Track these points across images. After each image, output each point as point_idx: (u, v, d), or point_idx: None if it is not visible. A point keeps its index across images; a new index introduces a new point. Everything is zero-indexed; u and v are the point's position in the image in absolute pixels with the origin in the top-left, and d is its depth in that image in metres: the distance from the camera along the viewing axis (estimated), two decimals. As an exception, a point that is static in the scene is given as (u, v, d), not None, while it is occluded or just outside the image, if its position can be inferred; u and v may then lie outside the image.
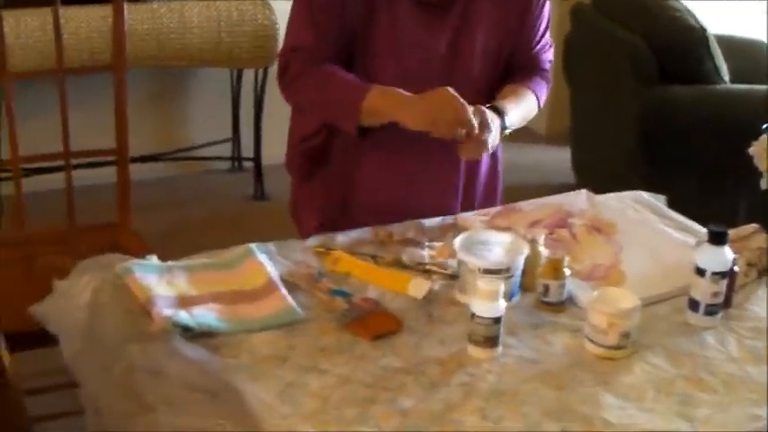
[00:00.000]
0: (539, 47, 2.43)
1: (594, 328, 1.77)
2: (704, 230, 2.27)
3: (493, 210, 2.35)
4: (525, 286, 1.96)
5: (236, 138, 4.90)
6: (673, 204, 2.51)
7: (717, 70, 3.92)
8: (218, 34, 4.15)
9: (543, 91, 2.44)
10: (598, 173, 4.33)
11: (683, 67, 3.89)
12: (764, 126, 3.05)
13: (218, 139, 4.86)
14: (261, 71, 4.51)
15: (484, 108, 2.14)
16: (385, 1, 2.20)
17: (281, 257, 2.03)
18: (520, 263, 1.92)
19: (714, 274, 1.88)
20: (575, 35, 4.36)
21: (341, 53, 2.25)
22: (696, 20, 3.93)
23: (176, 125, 4.91)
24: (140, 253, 1.94)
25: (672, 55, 3.89)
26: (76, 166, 2.84)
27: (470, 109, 2.06)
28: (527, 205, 2.37)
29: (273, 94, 4.50)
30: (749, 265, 2.09)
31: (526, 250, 1.93)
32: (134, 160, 4.00)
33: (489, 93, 2.35)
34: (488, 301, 1.72)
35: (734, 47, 4.36)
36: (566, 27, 4.44)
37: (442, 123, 2.06)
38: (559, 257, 1.90)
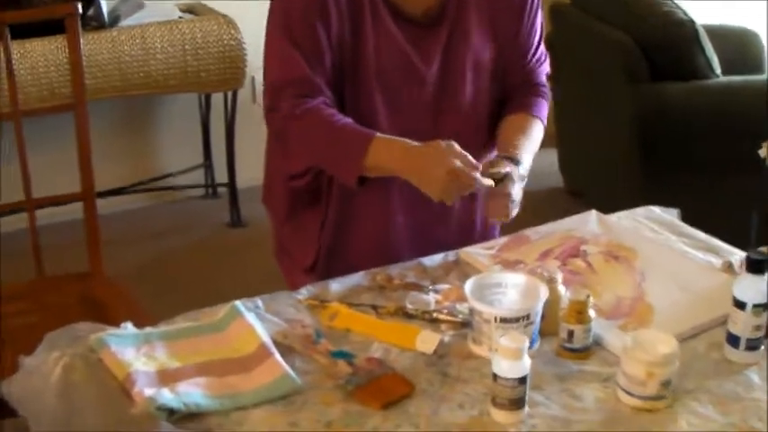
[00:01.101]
0: (534, 59, 2.26)
1: (631, 379, 1.58)
2: (726, 247, 2.12)
3: (498, 242, 2.15)
4: (544, 331, 1.77)
5: (208, 163, 4.72)
6: (673, 205, 2.34)
7: (709, 64, 3.77)
8: (184, 58, 3.96)
9: (545, 111, 2.26)
10: (589, 175, 4.15)
11: (674, 63, 3.74)
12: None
13: (190, 166, 4.67)
14: (230, 93, 4.29)
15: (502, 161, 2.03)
16: (370, 23, 2.02)
17: (271, 314, 1.83)
18: (539, 308, 1.72)
19: (756, 306, 1.69)
20: (556, 36, 4.17)
21: (329, 83, 2.06)
22: (684, 13, 3.78)
23: (146, 154, 4.72)
24: (117, 304, 1.77)
25: (662, 51, 3.74)
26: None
27: (478, 174, 1.91)
28: (534, 234, 2.17)
29: (244, 117, 4.40)
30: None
31: (545, 293, 1.73)
32: (104, 194, 3.85)
33: (486, 115, 2.20)
34: (512, 360, 1.52)
35: (722, 37, 4.20)
36: (545, 28, 4.25)
37: (454, 195, 1.94)
38: (583, 299, 1.71)
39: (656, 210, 2.36)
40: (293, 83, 2.04)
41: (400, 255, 2.09)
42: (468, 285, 1.75)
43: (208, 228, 4.57)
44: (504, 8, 2.16)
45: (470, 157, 1.91)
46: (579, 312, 1.71)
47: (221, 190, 4.73)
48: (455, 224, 2.24)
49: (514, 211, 2.02)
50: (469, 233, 2.28)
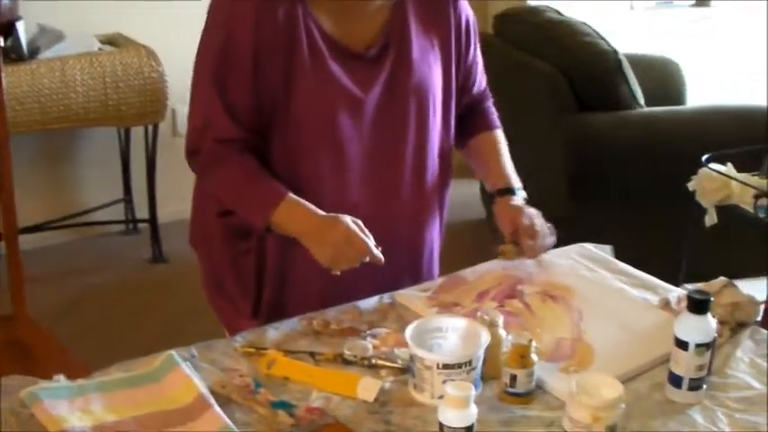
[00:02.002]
0: (479, 71, 2.32)
1: (577, 423, 1.56)
2: (662, 284, 2.12)
3: (434, 283, 2.12)
4: (486, 375, 1.74)
5: (128, 198, 4.63)
6: (602, 235, 2.34)
7: (632, 94, 3.80)
8: (104, 91, 3.90)
9: (496, 114, 2.36)
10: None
11: (599, 93, 3.76)
12: (705, 158, 2.90)
13: (109, 200, 4.58)
14: (151, 127, 4.22)
15: (528, 215, 2.15)
16: (308, 61, 1.97)
17: (207, 363, 1.78)
18: (481, 353, 1.69)
19: (699, 345, 1.69)
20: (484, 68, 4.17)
21: (255, 129, 2.02)
22: (607, 43, 3.80)
23: (66, 189, 4.62)
24: (43, 348, 1.71)
25: (587, 82, 3.76)
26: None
27: (368, 241, 1.94)
28: (470, 274, 2.15)
29: (165, 150, 4.33)
30: (721, 323, 1.90)
31: (486, 337, 1.71)
32: (23, 231, 3.74)
33: (438, 140, 2.19)
34: (459, 409, 1.49)
35: (643, 66, 4.25)
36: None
37: (345, 262, 1.94)
38: (525, 343, 1.68)
39: (590, 246, 2.35)
40: (215, 129, 2.01)
41: (348, 295, 2.05)
42: (409, 331, 1.72)
43: (129, 264, 4.49)
44: (450, 32, 2.15)
45: (367, 232, 1.94)
46: (522, 356, 1.69)
47: (142, 225, 4.65)
48: (403, 262, 2.21)
49: (548, 240, 2.15)
50: (415, 271, 2.25)
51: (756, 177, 2.94)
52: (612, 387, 1.59)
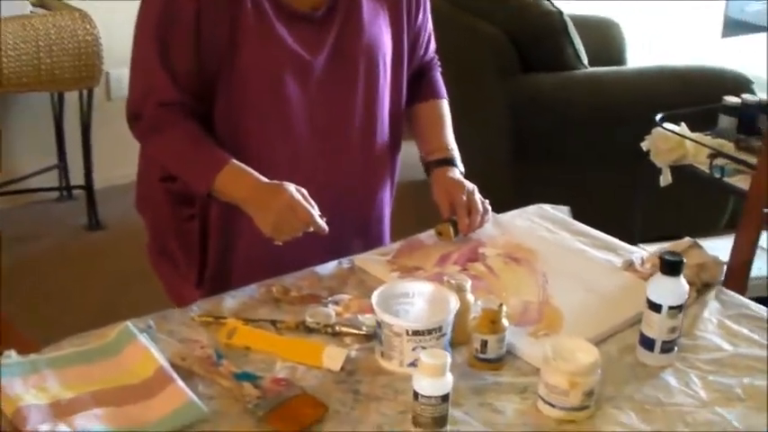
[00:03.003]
0: (429, 39, 2.27)
1: (553, 389, 1.52)
2: (623, 245, 2.09)
3: (392, 247, 2.07)
4: (454, 341, 1.69)
5: (62, 164, 4.50)
6: (548, 197, 2.31)
7: (577, 55, 3.78)
8: (37, 55, 3.76)
9: (443, 84, 2.30)
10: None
11: (543, 54, 3.73)
12: (658, 117, 2.87)
13: (43, 167, 4.44)
14: (85, 91, 4.10)
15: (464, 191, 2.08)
16: (253, 23, 1.90)
17: (164, 335, 1.71)
18: (451, 318, 1.64)
19: (672, 308, 1.65)
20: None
21: (197, 93, 1.96)
22: (552, 4, 3.75)
23: (-3, 156, 4.47)
24: None
25: (532, 43, 3.73)
26: None
27: (312, 210, 1.87)
28: (428, 237, 2.10)
29: (99, 115, 4.22)
30: (688, 284, 1.86)
31: (455, 302, 1.66)
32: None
33: (389, 104, 2.14)
34: (435, 378, 1.44)
35: (584, 27, 4.20)
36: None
37: (287, 230, 1.87)
38: (496, 308, 1.64)
39: (547, 207, 2.32)
40: (157, 93, 1.94)
41: (296, 262, 1.98)
42: (375, 297, 1.66)
43: (65, 232, 4.37)
44: None
45: (312, 202, 1.87)
46: (493, 322, 1.64)
47: (77, 192, 4.53)
48: (354, 226, 2.15)
49: (488, 217, 2.11)
50: (366, 234, 2.20)
51: (710, 137, 2.92)
52: (588, 352, 1.55)
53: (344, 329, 1.74)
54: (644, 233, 3.85)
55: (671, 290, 1.65)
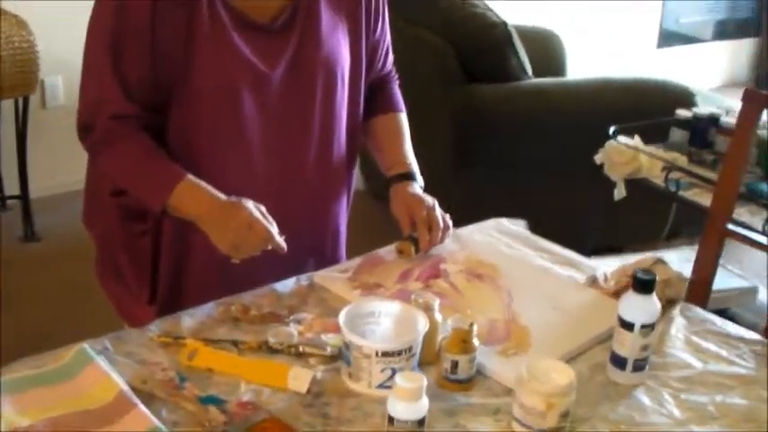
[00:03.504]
0: (387, 51, 2.22)
1: (529, 411, 1.48)
2: (585, 261, 2.07)
3: (352, 263, 2.02)
4: (421, 360, 1.65)
5: (-5, 174, 4.37)
6: (492, 209, 2.28)
7: (521, 66, 3.75)
8: (-29, 62, 3.64)
9: (401, 98, 2.25)
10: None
11: (488, 65, 3.71)
12: (611, 130, 2.86)
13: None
14: (21, 99, 3.99)
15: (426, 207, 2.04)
16: (209, 33, 1.84)
17: (122, 356, 1.64)
18: (420, 338, 1.60)
19: (644, 327, 1.62)
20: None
21: (151, 104, 1.89)
22: (496, 15, 3.73)
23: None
24: None
25: (476, 54, 3.70)
26: None
27: (270, 228, 1.81)
28: (387, 253, 2.05)
29: (35, 124, 4.11)
30: (654, 300, 1.84)
31: (424, 322, 1.61)
32: None
33: (346, 117, 2.08)
34: (411, 401, 1.40)
35: (525, 38, 4.19)
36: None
37: (246, 249, 1.81)
38: (467, 328, 1.60)
39: (505, 222, 2.29)
40: (109, 105, 1.86)
41: (251, 279, 1.92)
42: (342, 317, 1.61)
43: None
44: (360, 5, 2.04)
45: (271, 219, 1.82)
46: (464, 341, 1.60)
47: (11, 202, 4.40)
48: (310, 242, 2.09)
49: (449, 233, 2.07)
50: (321, 250, 2.14)
51: (662, 150, 2.92)
52: (563, 372, 1.52)
53: (308, 350, 1.69)
54: (584, 243, 3.86)
55: (643, 308, 1.62)
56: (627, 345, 1.64)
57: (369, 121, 2.18)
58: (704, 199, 2.55)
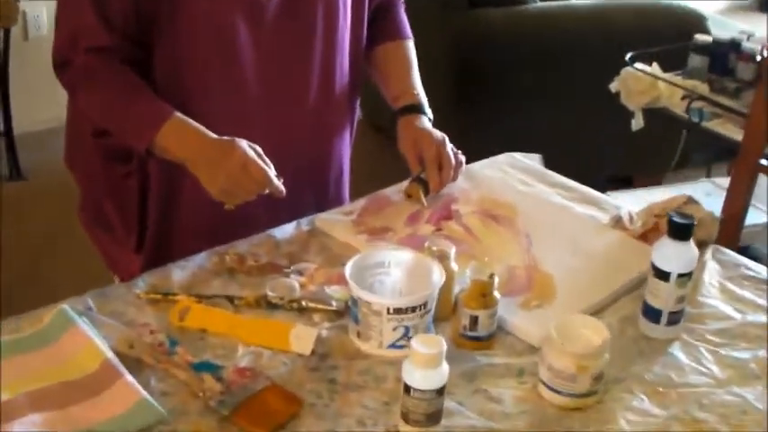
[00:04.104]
0: None
1: (558, 374, 1.34)
2: (605, 198, 1.94)
3: (356, 205, 1.86)
4: (437, 316, 1.50)
5: (-22, 111, 4.19)
6: (496, 137, 2.12)
7: (527, -12, 3.54)
8: (-53, -8, 3.44)
9: (407, 23, 2.08)
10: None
11: (490, -13, 3.49)
12: (629, 57, 2.68)
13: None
14: (1, 32, 3.81)
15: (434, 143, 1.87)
16: None
17: (107, 316, 1.48)
18: (436, 293, 1.45)
19: (681, 276, 1.47)
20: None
21: (135, 34, 1.71)
22: (497, -67, 3.52)
23: None
24: None
25: (479, -24, 3.48)
26: None
27: (267, 170, 1.63)
28: (395, 193, 1.89)
29: (18, 57, 3.93)
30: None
31: (439, 274, 1.46)
32: None
33: (352, 40, 1.91)
34: (429, 369, 1.25)
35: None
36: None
37: (240, 193, 1.65)
38: (487, 280, 1.44)
39: (518, 156, 2.13)
40: (87, 36, 1.69)
41: (247, 226, 1.76)
42: (349, 270, 1.46)
43: (-18, 183, 4.08)
44: None
45: (268, 161, 1.65)
46: (483, 295, 1.45)
47: (-5, 140, 4.24)
48: (311, 183, 1.94)
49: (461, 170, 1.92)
50: (324, 192, 1.99)
51: (680, 78, 2.75)
52: (596, 330, 1.38)
53: (311, 305, 1.54)
54: (593, 172, 3.70)
55: (680, 255, 1.48)
56: (662, 296, 1.49)
57: (373, 49, 2.01)
58: (728, 130, 2.40)
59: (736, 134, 2.36)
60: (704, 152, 4.10)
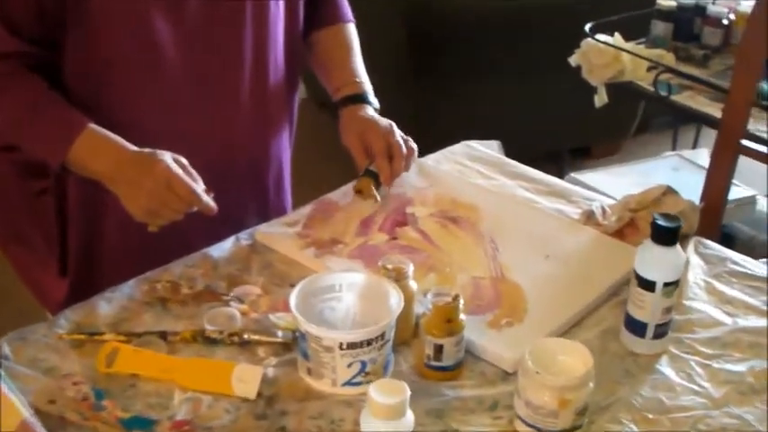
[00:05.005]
0: None
1: (537, 410, 1.18)
2: (575, 189, 1.77)
3: (300, 213, 1.69)
4: (396, 341, 1.33)
5: None
6: (455, 120, 1.96)
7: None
8: None
9: (347, 4, 1.90)
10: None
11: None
12: (588, 27, 2.51)
13: None
14: None
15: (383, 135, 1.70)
16: None
17: (25, 366, 1.30)
18: (393, 320, 1.28)
19: (667, 285, 1.31)
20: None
21: (42, 37, 1.52)
22: None
23: None
24: None
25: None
26: None
27: (194, 185, 1.46)
28: (342, 196, 1.72)
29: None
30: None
31: (397, 298, 1.29)
32: None
33: (289, 32, 1.74)
34: (391, 419, 1.08)
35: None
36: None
37: (165, 214, 1.48)
38: (451, 302, 1.28)
39: (475, 145, 1.97)
40: None
41: (180, 242, 1.58)
42: (293, 299, 1.29)
43: None
44: None
45: (195, 174, 1.48)
46: (448, 321, 1.28)
47: None
48: (249, 191, 1.77)
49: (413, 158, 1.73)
50: (264, 200, 1.82)
51: (643, 47, 2.58)
52: (577, 354, 1.22)
53: (255, 337, 1.37)
54: (552, 145, 3.55)
55: (666, 262, 1.32)
56: (647, 307, 1.33)
57: (311, 35, 1.83)
58: (699, 103, 2.24)
59: (707, 107, 2.21)
60: (665, 117, 3.98)
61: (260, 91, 1.71)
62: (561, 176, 2.45)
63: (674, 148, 3.53)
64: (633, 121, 3.77)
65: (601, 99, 2.56)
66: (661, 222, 1.30)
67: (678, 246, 1.32)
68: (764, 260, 1.62)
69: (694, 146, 3.47)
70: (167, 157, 1.45)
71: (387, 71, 3.39)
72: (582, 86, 2.61)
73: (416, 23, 3.27)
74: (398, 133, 1.71)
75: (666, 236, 1.30)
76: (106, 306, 1.44)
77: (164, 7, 1.53)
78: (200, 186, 1.46)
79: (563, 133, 3.48)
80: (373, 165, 1.69)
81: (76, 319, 1.41)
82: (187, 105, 1.63)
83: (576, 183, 2.56)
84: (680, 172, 2.82)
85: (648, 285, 1.32)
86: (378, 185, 1.69)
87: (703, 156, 2.91)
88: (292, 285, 1.40)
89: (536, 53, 3.20)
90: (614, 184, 2.61)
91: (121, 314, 1.43)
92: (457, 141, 1.97)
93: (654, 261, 1.31)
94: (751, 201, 2.64)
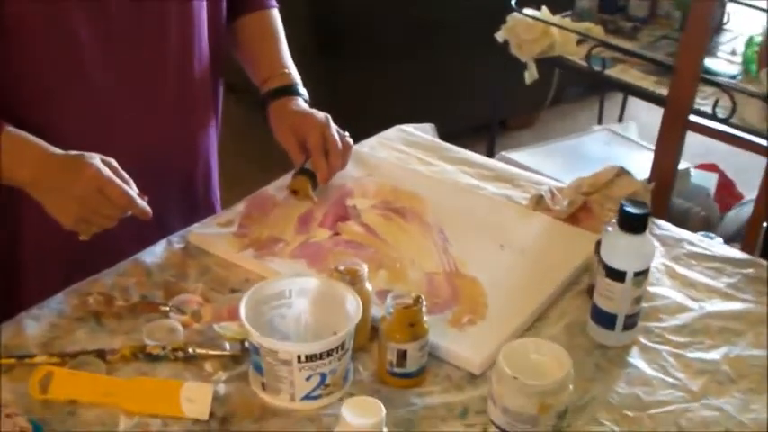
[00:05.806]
0: None
1: (516, 416, 1.11)
2: (519, 173, 1.70)
3: (235, 211, 1.59)
4: (354, 347, 1.24)
5: None
6: (372, 99, 1.88)
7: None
8: None
9: None
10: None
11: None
12: (514, 0, 2.44)
13: None
14: None
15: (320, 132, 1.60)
16: None
17: (-51, 397, 1.18)
18: (353, 327, 1.19)
19: (637, 275, 1.25)
20: None
21: None
22: None
23: None
24: None
25: None
26: None
27: (127, 189, 1.36)
28: (276, 190, 1.63)
29: None
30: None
31: (355, 303, 1.21)
32: None
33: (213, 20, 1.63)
34: (366, 442, 0.99)
35: None
36: None
37: (97, 221, 1.38)
38: (413, 305, 1.20)
39: (410, 129, 1.88)
40: None
41: (107, 247, 1.47)
42: (243, 309, 1.19)
43: None
44: None
45: (127, 177, 1.37)
46: (411, 324, 1.20)
47: None
48: (176, 189, 1.66)
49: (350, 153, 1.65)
50: (192, 197, 1.71)
51: (569, 20, 2.52)
52: (553, 355, 1.14)
53: (201, 351, 1.27)
54: (470, 120, 3.48)
55: (636, 251, 1.26)
56: (616, 299, 1.27)
57: (234, 21, 1.72)
58: (633, 77, 2.18)
59: (641, 80, 2.15)
60: (576, 87, 3.95)
61: (185, 88, 1.61)
62: (492, 154, 2.38)
63: (600, 122, 3.49)
64: (548, 92, 3.72)
65: (531, 75, 2.49)
66: (630, 210, 1.24)
67: (647, 233, 1.25)
68: (702, 233, 1.58)
69: (620, 119, 3.44)
70: (97, 160, 1.34)
71: (292, 52, 3.30)
72: (504, 61, 2.55)
73: (316, 7, 3.18)
74: (334, 127, 1.62)
75: (636, 223, 1.24)
76: (34, 324, 1.32)
77: (86, 6, 1.41)
78: (133, 189, 1.35)
79: (474, 107, 3.41)
80: (309, 162, 1.59)
81: (2, 341, 1.29)
82: (109, 99, 1.51)
83: (509, 162, 2.49)
84: (611, 146, 2.77)
85: (618, 276, 1.25)
86: (315, 185, 1.59)
87: (632, 129, 2.87)
88: (233, 291, 1.33)
89: (463, 30, 3.13)
90: (548, 162, 2.55)
91: (52, 332, 1.31)
92: (374, 123, 1.88)
93: (623, 250, 1.25)
94: (685, 173, 2.61)
